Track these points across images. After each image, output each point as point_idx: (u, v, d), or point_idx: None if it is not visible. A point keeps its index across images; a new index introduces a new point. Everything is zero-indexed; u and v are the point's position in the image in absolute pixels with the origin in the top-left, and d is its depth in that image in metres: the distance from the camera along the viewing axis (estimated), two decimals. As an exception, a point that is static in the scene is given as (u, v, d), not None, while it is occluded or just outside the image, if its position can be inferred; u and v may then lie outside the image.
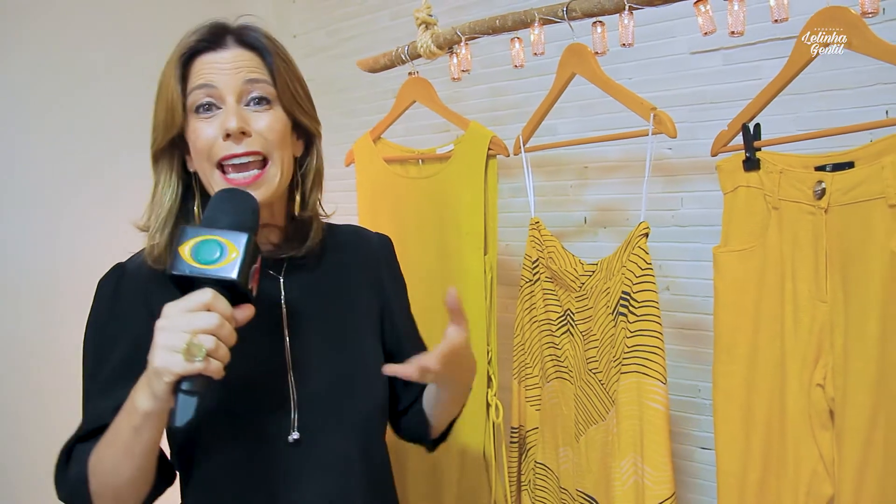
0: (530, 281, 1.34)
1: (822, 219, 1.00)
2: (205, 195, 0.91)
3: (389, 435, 1.53)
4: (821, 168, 1.00)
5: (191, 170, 0.91)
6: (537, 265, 1.32)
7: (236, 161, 0.85)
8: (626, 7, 1.13)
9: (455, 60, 1.41)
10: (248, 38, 0.89)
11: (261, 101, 0.88)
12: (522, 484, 1.40)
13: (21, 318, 1.87)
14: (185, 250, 0.72)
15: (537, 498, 1.36)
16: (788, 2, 1.00)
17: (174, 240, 0.76)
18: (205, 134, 0.85)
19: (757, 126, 1.11)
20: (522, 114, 1.53)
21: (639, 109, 1.12)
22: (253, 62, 0.88)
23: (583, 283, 1.21)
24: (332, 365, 0.93)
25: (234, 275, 0.72)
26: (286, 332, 0.91)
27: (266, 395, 0.88)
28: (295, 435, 0.88)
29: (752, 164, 1.10)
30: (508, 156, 1.34)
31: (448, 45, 1.40)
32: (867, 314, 0.94)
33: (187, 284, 0.73)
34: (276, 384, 0.89)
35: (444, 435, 1.08)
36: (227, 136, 0.84)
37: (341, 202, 2.34)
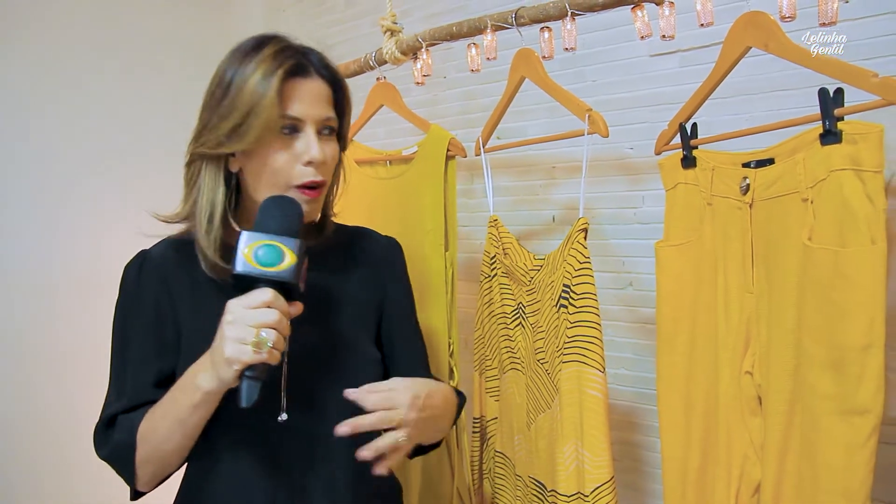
0: (488, 276, 1.39)
1: (748, 213, 1.04)
2: (237, 193, 0.98)
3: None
4: (747, 165, 1.05)
5: (233, 170, 0.96)
6: (495, 261, 1.37)
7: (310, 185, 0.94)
8: (569, 13, 1.19)
9: (419, 65, 1.47)
10: (327, 71, 0.98)
11: (331, 131, 0.97)
12: (484, 473, 1.45)
13: (16, 316, 1.95)
14: (248, 252, 0.83)
15: (497, 486, 1.41)
16: (713, 8, 1.05)
17: (234, 241, 0.85)
18: (284, 156, 0.92)
19: (693, 125, 1.16)
20: (492, 116, 1.58)
21: (576, 110, 1.17)
22: (329, 95, 0.97)
23: (532, 278, 1.26)
24: (324, 352, 0.99)
25: (292, 278, 0.83)
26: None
27: None
28: (284, 416, 0.93)
29: (689, 161, 1.15)
30: (465, 157, 1.40)
31: (412, 52, 1.46)
32: (785, 304, 0.98)
33: (246, 283, 0.84)
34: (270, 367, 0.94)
35: (421, 451, 1.09)
36: (309, 163, 0.92)
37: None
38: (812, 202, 0.93)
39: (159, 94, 2.12)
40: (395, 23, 1.48)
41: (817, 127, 0.92)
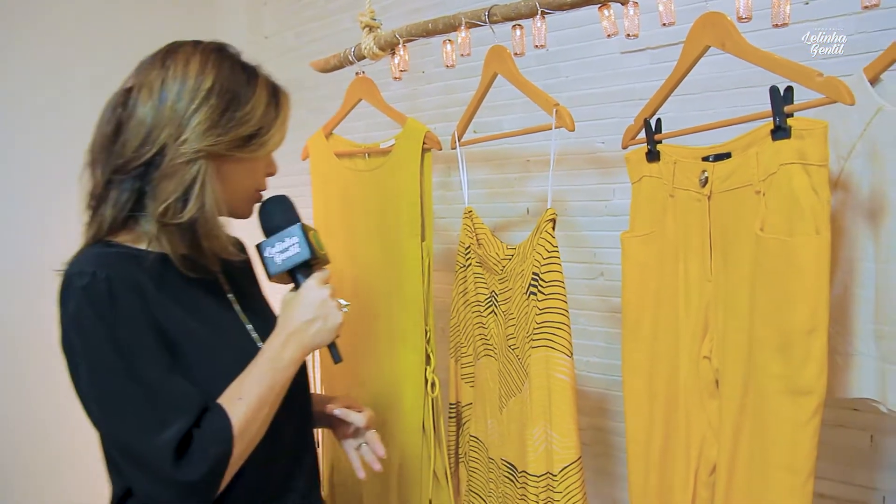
0: (463, 266, 1.44)
1: (706, 205, 1.09)
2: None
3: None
4: (706, 159, 1.10)
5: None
6: (469, 251, 1.42)
7: None
8: (539, 12, 1.23)
9: (396, 61, 1.51)
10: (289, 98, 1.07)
11: None
12: (460, 457, 1.50)
13: (14, 313, 1.97)
14: (313, 241, 1.02)
15: (471, 469, 1.46)
16: (675, 8, 1.09)
17: (299, 234, 1.01)
18: (261, 167, 1.04)
19: (658, 121, 1.20)
20: (469, 110, 1.62)
21: (544, 105, 1.22)
22: None
23: (503, 267, 1.31)
24: (270, 325, 1.05)
25: (307, 254, 1.01)
26: (237, 308, 1.07)
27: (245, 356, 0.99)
28: None
29: (653, 155, 1.19)
30: (441, 150, 1.44)
31: (389, 47, 1.50)
32: (740, 291, 1.03)
33: (297, 265, 1.01)
34: (245, 342, 1.03)
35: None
36: (269, 174, 1.07)
37: (300, 195, 2.44)
38: (764, 194, 0.98)
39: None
40: (374, 19, 1.52)
41: (769, 123, 0.97)
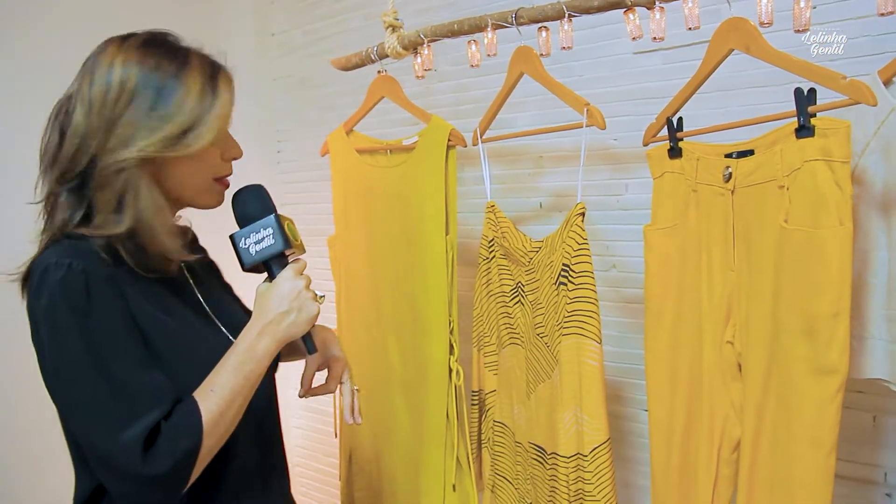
0: (487, 258, 1.49)
1: (730, 199, 1.16)
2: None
3: (365, 391, 1.68)
4: (729, 155, 1.17)
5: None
6: (493, 244, 1.48)
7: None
8: (566, 14, 1.29)
9: (419, 60, 1.55)
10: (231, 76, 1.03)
11: None
12: (483, 442, 1.56)
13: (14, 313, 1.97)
14: (288, 232, 1.00)
15: (496, 453, 1.52)
16: (699, 13, 1.16)
17: (273, 225, 0.99)
18: (216, 154, 1.02)
19: (679, 119, 1.27)
20: (484, 108, 1.66)
21: (574, 104, 1.28)
22: None
23: (531, 259, 1.37)
24: (239, 319, 1.07)
25: (282, 245, 0.99)
26: (204, 305, 1.08)
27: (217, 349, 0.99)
28: None
29: (675, 152, 1.26)
30: (466, 146, 1.50)
31: (413, 47, 1.55)
32: (764, 279, 1.10)
33: (271, 256, 1.00)
34: (215, 336, 1.04)
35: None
36: (232, 158, 1.05)
37: (315, 190, 2.48)
38: (788, 189, 1.05)
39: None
40: (397, 19, 1.56)
41: (793, 122, 1.03)
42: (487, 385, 1.53)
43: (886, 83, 1.10)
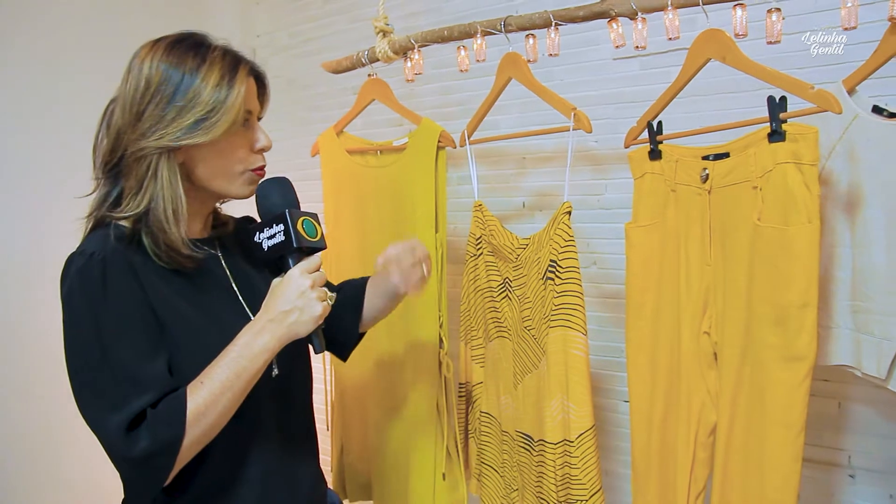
0: (474, 255, 1.55)
1: (707, 198, 1.24)
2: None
3: (357, 385, 1.73)
4: (706, 157, 1.24)
5: (177, 162, 1.02)
6: (480, 241, 1.54)
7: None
8: (553, 23, 1.36)
9: (409, 64, 1.61)
10: (259, 71, 1.11)
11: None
12: (470, 432, 1.62)
13: (9, 309, 1.98)
14: (301, 229, 1.01)
15: (482, 443, 1.58)
16: (679, 23, 1.23)
17: (284, 221, 1.00)
18: (242, 145, 1.06)
19: (659, 123, 1.34)
20: (468, 110, 1.73)
21: (562, 109, 1.34)
22: (255, 90, 1.10)
23: (518, 255, 1.43)
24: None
25: (290, 242, 1.00)
26: (238, 294, 1.11)
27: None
28: (276, 370, 1.10)
29: (655, 154, 1.33)
30: (455, 147, 1.56)
31: (403, 51, 1.60)
32: (738, 273, 1.18)
33: (282, 252, 1.01)
34: (238, 324, 1.02)
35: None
36: (261, 150, 1.09)
37: (302, 190, 2.51)
38: (761, 189, 1.13)
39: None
40: (387, 24, 1.62)
41: (765, 127, 1.12)
42: (474, 377, 1.59)
43: (850, 92, 1.18)
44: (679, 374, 1.31)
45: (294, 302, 0.97)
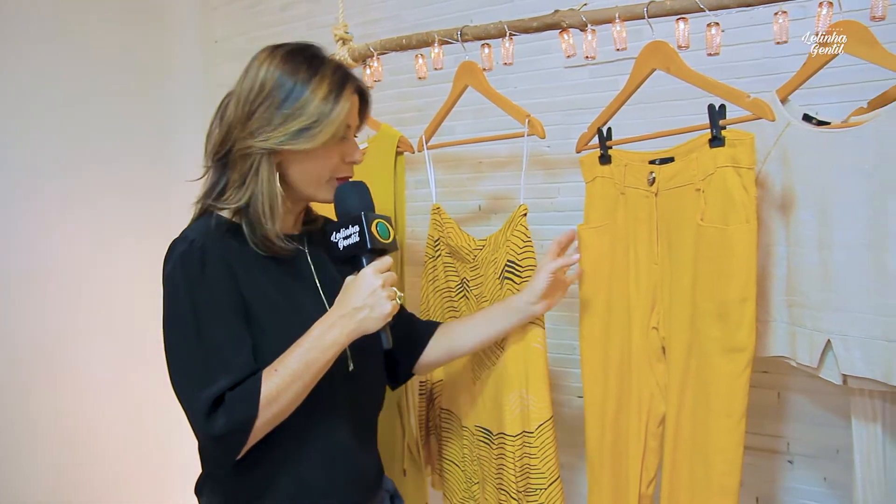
0: (433, 257, 1.60)
1: (653, 201, 1.31)
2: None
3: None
4: (653, 162, 1.32)
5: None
6: (438, 243, 1.59)
7: None
8: (507, 33, 1.41)
9: (368, 71, 1.65)
10: (363, 89, 1.18)
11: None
12: (430, 429, 1.67)
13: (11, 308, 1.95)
14: (374, 231, 1.07)
15: (443, 439, 1.63)
16: (626, 35, 1.31)
17: (360, 223, 1.07)
18: (336, 156, 1.13)
19: (609, 129, 1.41)
20: (425, 116, 1.78)
21: (516, 115, 1.40)
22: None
23: (475, 256, 1.49)
24: None
25: (364, 243, 1.06)
26: (320, 288, 1.18)
27: None
28: (352, 366, 1.16)
29: (605, 159, 1.40)
30: (414, 153, 1.60)
31: (362, 59, 1.64)
32: (683, 271, 1.25)
33: (356, 252, 1.07)
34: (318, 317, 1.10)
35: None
36: (352, 162, 1.16)
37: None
38: (703, 191, 1.20)
39: (112, 106, 2.22)
40: (347, 32, 1.65)
41: (707, 133, 1.19)
42: (434, 375, 1.64)
43: (783, 101, 1.27)
44: (630, 368, 1.37)
45: (365, 300, 1.04)
